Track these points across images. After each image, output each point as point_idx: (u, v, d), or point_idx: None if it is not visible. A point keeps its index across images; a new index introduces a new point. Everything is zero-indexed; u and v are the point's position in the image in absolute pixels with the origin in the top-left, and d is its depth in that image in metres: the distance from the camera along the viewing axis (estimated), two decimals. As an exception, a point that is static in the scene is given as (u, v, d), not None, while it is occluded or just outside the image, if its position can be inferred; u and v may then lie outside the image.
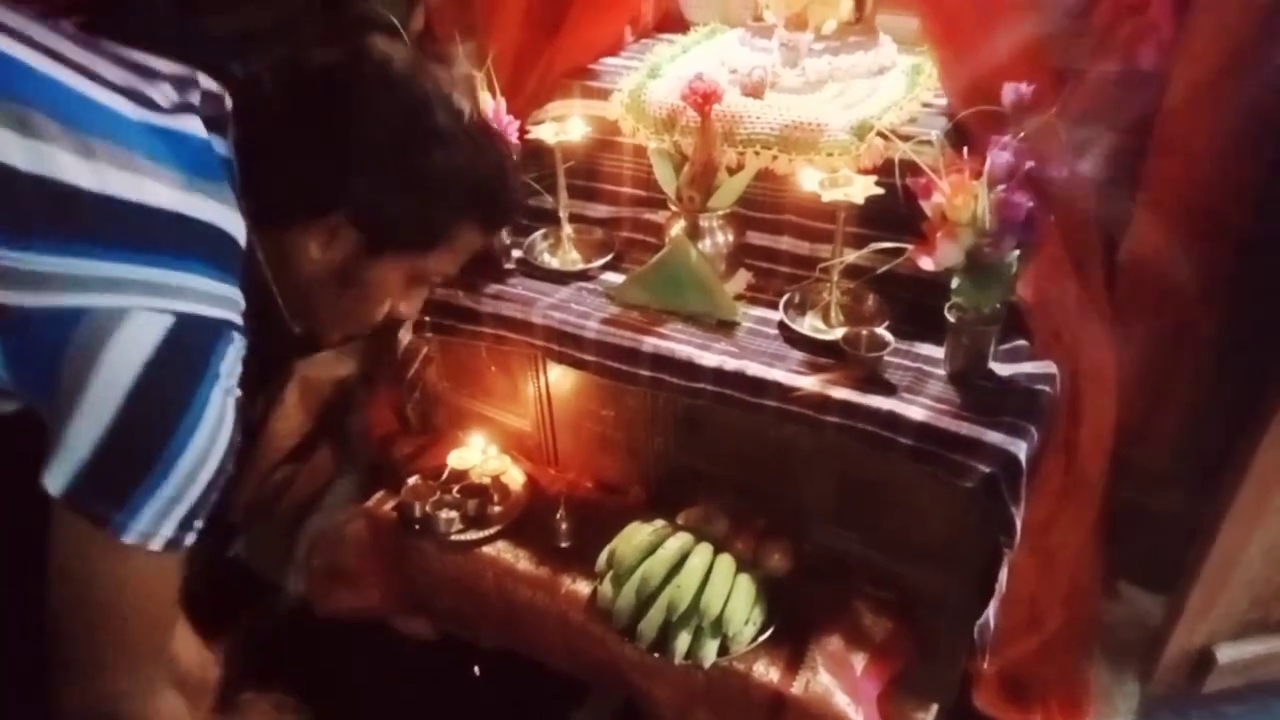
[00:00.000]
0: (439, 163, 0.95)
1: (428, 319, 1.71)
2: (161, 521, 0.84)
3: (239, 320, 0.89)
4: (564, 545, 1.66)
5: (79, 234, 0.79)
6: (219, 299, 0.86)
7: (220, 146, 0.90)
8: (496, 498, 1.69)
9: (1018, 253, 1.25)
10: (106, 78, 0.87)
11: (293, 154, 0.91)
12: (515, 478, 1.73)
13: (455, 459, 1.74)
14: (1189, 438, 1.60)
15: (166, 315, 0.81)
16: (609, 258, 1.71)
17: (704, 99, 1.45)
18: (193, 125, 0.89)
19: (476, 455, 1.75)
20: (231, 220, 0.89)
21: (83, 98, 0.83)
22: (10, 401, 0.87)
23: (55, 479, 0.81)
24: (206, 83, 0.94)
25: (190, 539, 0.87)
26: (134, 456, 0.82)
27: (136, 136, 0.84)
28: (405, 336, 1.80)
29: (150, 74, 0.91)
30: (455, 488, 1.68)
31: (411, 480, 1.71)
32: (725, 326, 1.53)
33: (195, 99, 0.92)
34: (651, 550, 1.54)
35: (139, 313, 0.80)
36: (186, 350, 0.83)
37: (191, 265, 0.84)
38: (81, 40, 0.90)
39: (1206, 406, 1.53)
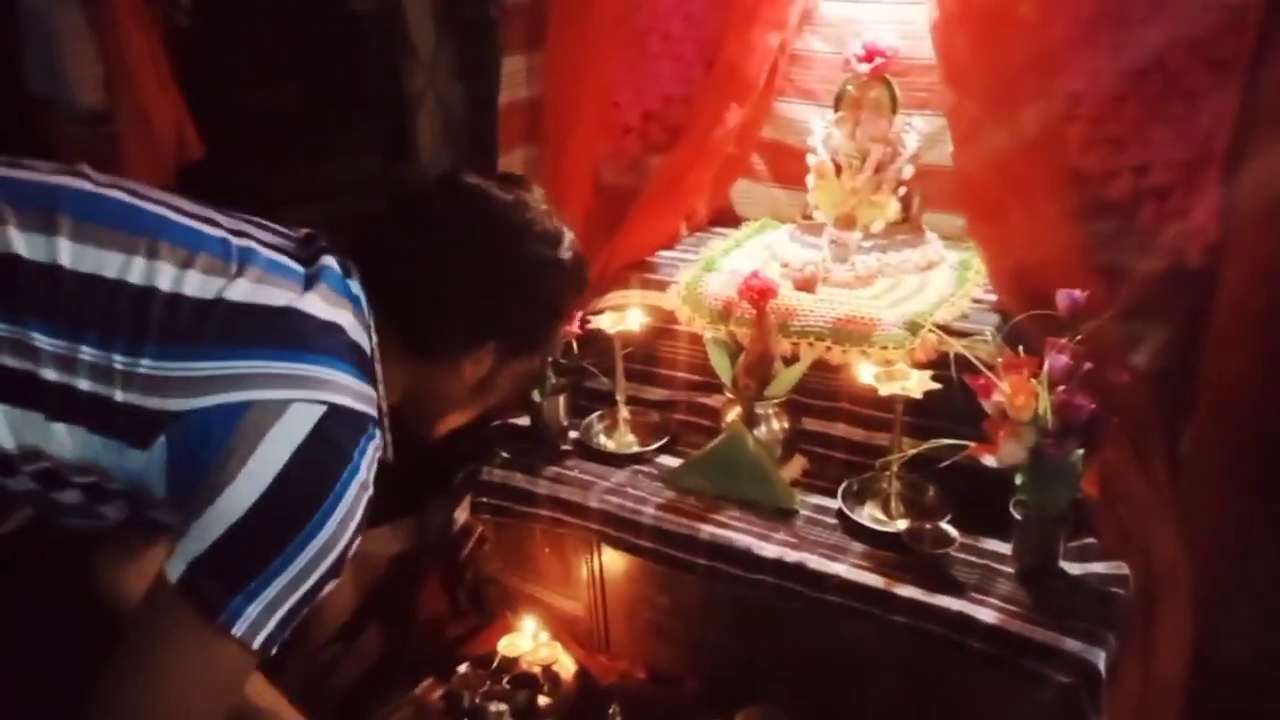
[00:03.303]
0: (559, 285, 1.09)
1: (484, 499, 1.73)
2: (269, 617, 0.84)
3: (379, 419, 0.95)
4: (616, 742, 1.59)
5: (241, 339, 0.88)
6: (364, 396, 0.93)
7: (353, 285, 0.99)
8: (547, 688, 1.64)
9: (1081, 452, 1.25)
10: (259, 235, 1.00)
11: (456, 296, 1.02)
12: (566, 666, 1.69)
13: (506, 645, 1.71)
14: (1267, 636, 1.53)
15: (320, 405, 0.87)
16: (664, 441, 1.74)
17: (760, 295, 1.51)
18: (329, 261, 0.99)
19: (527, 641, 1.72)
20: (366, 339, 0.97)
21: (247, 248, 0.95)
22: (118, 508, 0.91)
23: (177, 563, 0.83)
24: (326, 240, 1.05)
25: (281, 640, 0.87)
26: (265, 541, 0.84)
27: (284, 270, 0.95)
28: (461, 515, 1.82)
29: (282, 233, 1.04)
30: (505, 678, 1.64)
31: (461, 668, 1.68)
32: (783, 515, 1.53)
33: (323, 243, 1.02)
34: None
35: (298, 404, 0.86)
36: (333, 438, 0.87)
37: (340, 365, 0.91)
38: (222, 210, 1.02)
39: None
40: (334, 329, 0.93)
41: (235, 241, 0.96)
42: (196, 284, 0.88)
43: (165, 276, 0.88)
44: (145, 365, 0.85)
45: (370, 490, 0.91)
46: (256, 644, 0.85)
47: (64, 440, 0.85)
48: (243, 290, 0.90)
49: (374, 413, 0.95)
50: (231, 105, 2.01)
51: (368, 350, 0.97)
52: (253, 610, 0.84)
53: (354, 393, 0.92)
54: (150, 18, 1.82)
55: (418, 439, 1.16)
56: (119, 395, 0.85)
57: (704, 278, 1.73)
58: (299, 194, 1.70)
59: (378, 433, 0.95)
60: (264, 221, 1.04)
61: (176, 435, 0.84)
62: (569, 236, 1.10)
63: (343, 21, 2.12)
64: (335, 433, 0.87)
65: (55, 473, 0.88)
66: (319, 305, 0.93)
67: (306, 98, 2.11)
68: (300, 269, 0.97)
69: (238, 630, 0.83)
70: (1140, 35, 1.41)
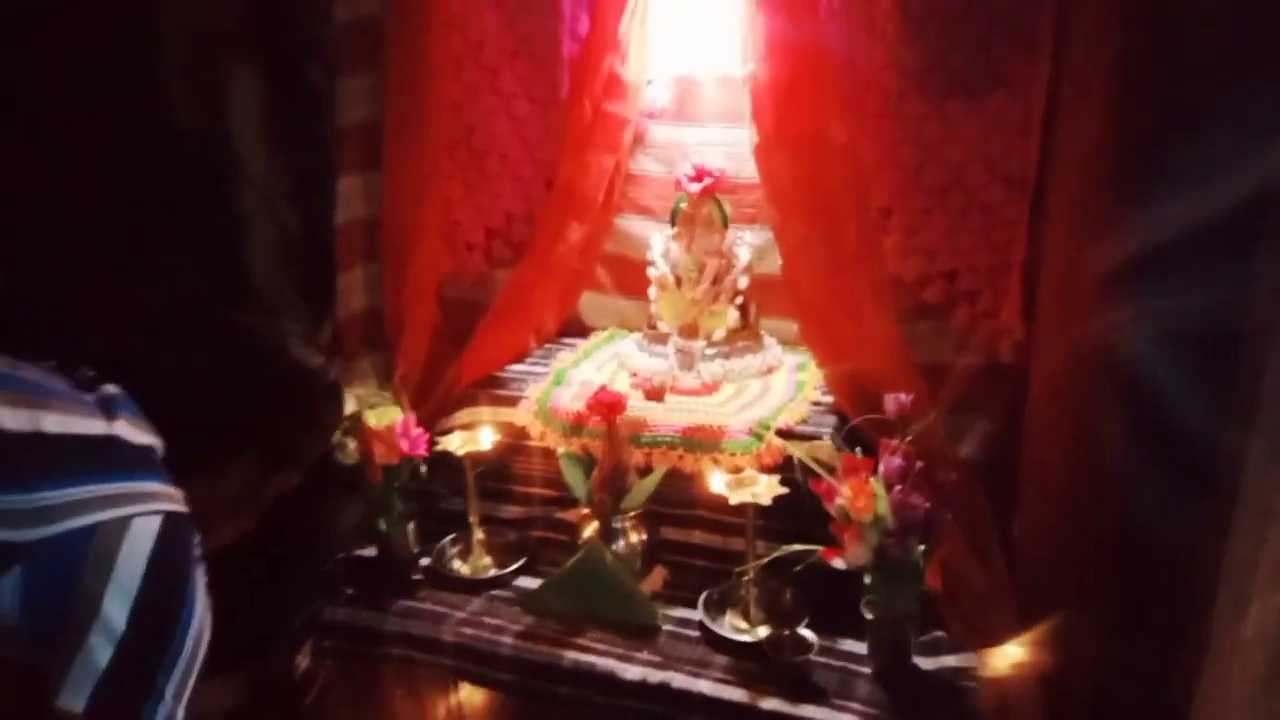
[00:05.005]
0: (312, 399, 1.20)
1: (326, 642, 1.61)
2: (176, 709, 0.88)
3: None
4: None
5: (73, 468, 0.90)
6: (178, 497, 0.97)
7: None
8: (405, 847, 1.51)
9: (922, 548, 1.30)
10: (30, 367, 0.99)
11: (214, 408, 1.07)
12: (426, 819, 1.57)
13: (358, 803, 1.58)
14: (1109, 703, 1.60)
15: (156, 516, 0.92)
16: (522, 561, 1.68)
17: (609, 409, 1.51)
18: (113, 389, 1.00)
19: (382, 796, 1.59)
20: (159, 444, 1.01)
21: (34, 381, 0.95)
22: None
23: (76, 695, 0.84)
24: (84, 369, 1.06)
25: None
26: (153, 648, 0.88)
27: (76, 399, 0.96)
28: (302, 662, 1.68)
29: (44, 365, 1.03)
30: (358, 841, 1.50)
31: (307, 835, 1.52)
32: (646, 631, 1.50)
33: (89, 372, 1.03)
34: None
35: (138, 518, 0.90)
36: (175, 541, 0.92)
37: (154, 476, 0.96)
38: None
39: (1115, 675, 1.54)
40: (147, 449, 0.99)
41: (21, 375, 0.97)
42: (10, 418, 0.90)
43: None
44: None
45: (206, 574, 0.97)
46: None
47: None
48: (57, 422, 0.92)
49: (187, 509, 1.02)
50: (33, 228, 1.87)
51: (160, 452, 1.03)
52: (164, 707, 0.88)
53: (176, 498, 0.98)
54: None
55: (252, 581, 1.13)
56: None
57: (554, 391, 1.72)
58: (105, 322, 1.58)
59: (194, 525, 1.01)
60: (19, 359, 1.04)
61: (30, 566, 0.86)
62: (321, 359, 1.20)
63: (162, 138, 2.04)
64: (176, 533, 0.94)
65: None
66: (129, 430, 0.98)
67: (119, 218, 1.99)
68: (88, 397, 1.00)
69: None
70: (939, 154, 1.55)
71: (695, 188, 1.69)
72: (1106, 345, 1.44)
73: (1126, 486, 1.49)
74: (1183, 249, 1.27)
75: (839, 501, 1.30)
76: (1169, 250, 1.32)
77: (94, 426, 0.95)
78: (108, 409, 0.98)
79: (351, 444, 1.63)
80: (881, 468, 1.29)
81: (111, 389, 1.02)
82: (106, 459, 0.94)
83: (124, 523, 0.90)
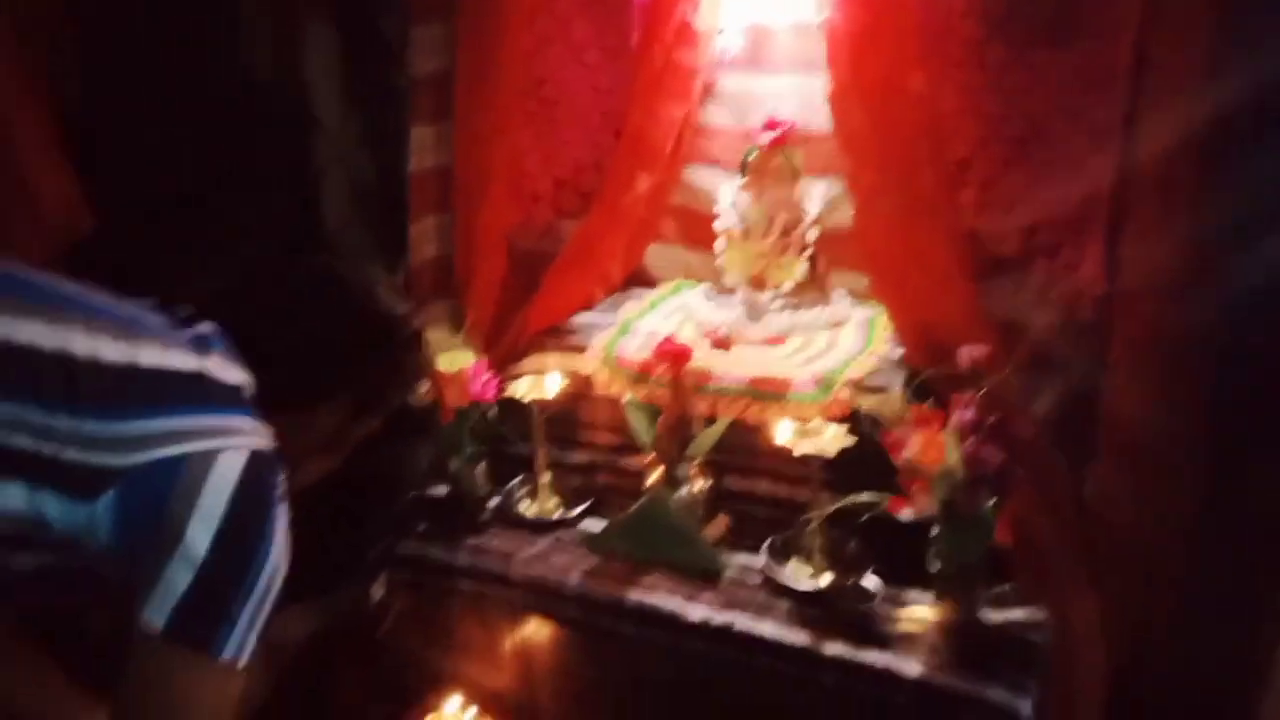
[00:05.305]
0: (400, 347, 1.19)
1: (400, 576, 1.67)
2: (248, 636, 0.94)
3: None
4: (547, 823, 1.54)
5: (166, 400, 0.97)
6: (265, 435, 1.02)
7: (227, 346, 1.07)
8: (474, 770, 1.58)
9: (993, 502, 1.29)
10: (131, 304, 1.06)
11: (308, 353, 1.11)
12: (494, 746, 1.63)
13: (429, 728, 1.65)
14: (1181, 669, 1.58)
15: (242, 451, 0.97)
16: (587, 505, 1.72)
17: (676, 359, 1.52)
18: (207, 328, 1.06)
19: (453, 721, 1.66)
20: (249, 383, 1.05)
21: (134, 315, 1.03)
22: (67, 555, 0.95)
23: (157, 614, 0.92)
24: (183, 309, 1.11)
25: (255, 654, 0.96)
26: (231, 577, 0.94)
27: (173, 335, 1.03)
28: (376, 592, 1.75)
29: (145, 303, 1.09)
30: (430, 763, 1.57)
31: (382, 756, 1.60)
32: (708, 576, 1.52)
33: (184, 312, 1.08)
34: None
35: (225, 452, 0.96)
36: (259, 478, 0.98)
37: (243, 412, 1.02)
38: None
39: (1191, 645, 1.53)
40: (236, 387, 1.04)
41: (121, 310, 1.03)
42: (109, 350, 0.95)
43: (77, 343, 0.94)
44: (90, 427, 0.92)
45: (289, 512, 1.02)
46: (242, 663, 0.95)
47: (3, 495, 0.90)
48: (152, 356, 0.98)
49: (274, 446, 1.05)
50: (126, 179, 1.94)
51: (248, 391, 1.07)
52: (237, 634, 0.93)
53: (263, 435, 1.02)
54: (37, 91, 1.76)
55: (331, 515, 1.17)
56: (67, 454, 0.91)
57: (620, 341, 1.73)
58: (196, 269, 1.65)
59: (279, 463, 1.04)
60: (121, 296, 1.08)
61: (123, 489, 0.92)
62: (407, 307, 1.21)
63: (242, 92, 2.09)
64: (260, 470, 0.98)
65: None
66: (220, 367, 1.03)
67: (204, 170, 2.06)
68: (184, 334, 1.04)
69: (228, 655, 0.93)
70: (1022, 105, 1.51)
71: (766, 139, 1.68)
72: (1195, 304, 1.41)
73: (1211, 450, 1.46)
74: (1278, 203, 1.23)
75: (907, 454, 1.30)
76: (1264, 205, 1.28)
77: (186, 362, 1.00)
78: (200, 346, 1.03)
79: (424, 386, 1.67)
80: (953, 420, 1.28)
81: (205, 327, 1.06)
82: (197, 393, 0.99)
83: (211, 455, 0.95)
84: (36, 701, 1.20)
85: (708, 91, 1.85)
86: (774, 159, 1.71)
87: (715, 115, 1.86)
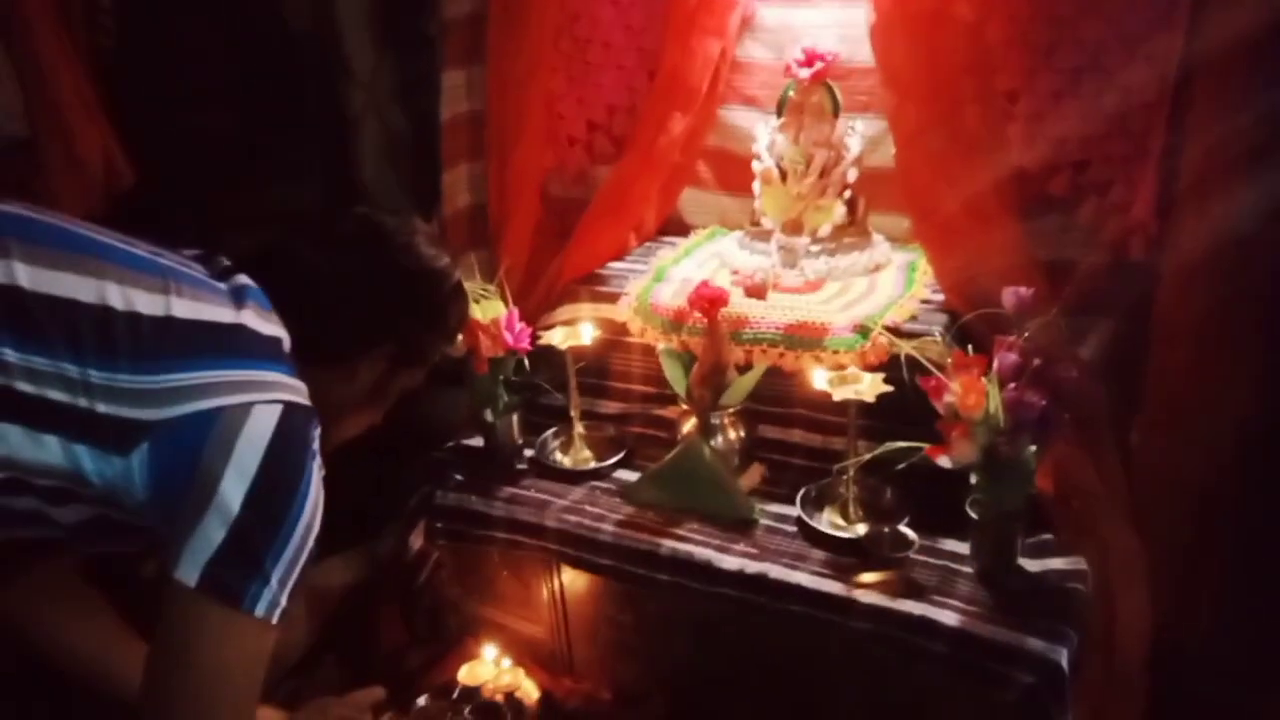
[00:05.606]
0: (442, 298, 1.17)
1: (438, 524, 1.69)
2: (283, 591, 0.94)
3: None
4: (582, 766, 1.56)
5: (201, 352, 0.96)
6: (301, 389, 1.01)
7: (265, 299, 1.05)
8: (510, 717, 1.60)
9: (1034, 448, 1.25)
10: (171, 255, 1.05)
11: (351, 304, 1.09)
12: (529, 693, 1.65)
13: (466, 673, 1.67)
14: (1228, 624, 1.54)
15: (277, 405, 0.96)
16: (621, 455, 1.71)
17: (711, 304, 1.49)
18: (245, 279, 1.05)
19: (489, 669, 1.68)
20: (286, 337, 1.04)
21: (171, 266, 1.01)
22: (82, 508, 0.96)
23: (190, 568, 0.91)
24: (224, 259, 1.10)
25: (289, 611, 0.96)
26: (264, 533, 0.93)
27: (210, 287, 1.02)
28: (415, 541, 1.77)
29: (186, 253, 1.09)
30: (467, 708, 1.60)
31: (421, 700, 1.63)
32: (743, 525, 1.51)
33: (225, 262, 1.08)
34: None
35: (260, 405, 0.95)
36: (293, 433, 0.97)
37: (283, 369, 1.01)
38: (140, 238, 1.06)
39: (1239, 591, 1.48)
40: (273, 340, 1.02)
41: (160, 260, 1.02)
42: (146, 302, 0.95)
43: (115, 294, 0.94)
44: (124, 379, 0.92)
45: (323, 468, 1.01)
46: (276, 619, 0.94)
47: (41, 449, 0.90)
48: (188, 308, 0.97)
49: (309, 402, 1.03)
50: (164, 130, 1.95)
51: (286, 343, 1.06)
52: (269, 590, 0.93)
53: (298, 390, 1.01)
54: (74, 42, 1.77)
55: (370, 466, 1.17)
56: (101, 407, 0.91)
57: (654, 288, 1.71)
58: (237, 220, 1.65)
59: (315, 418, 1.03)
60: (162, 245, 1.07)
61: (158, 442, 0.92)
62: (448, 259, 1.18)
63: (278, 41, 2.08)
64: (294, 425, 0.97)
65: (16, 481, 0.92)
66: (256, 320, 1.01)
67: (242, 121, 2.06)
68: (222, 285, 1.03)
69: (260, 611, 0.93)
70: (1074, 33, 1.43)
71: (805, 73, 1.61)
72: (1250, 245, 1.34)
73: (1262, 394, 1.40)
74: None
75: (947, 399, 1.26)
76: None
77: (223, 314, 0.99)
78: (238, 299, 1.02)
79: (459, 336, 1.67)
80: (996, 364, 1.24)
81: (243, 279, 1.05)
82: (232, 346, 0.98)
83: (246, 409, 0.94)
84: (85, 640, 1.23)
85: (745, 26, 1.78)
86: (813, 95, 1.64)
87: (752, 50, 1.80)
